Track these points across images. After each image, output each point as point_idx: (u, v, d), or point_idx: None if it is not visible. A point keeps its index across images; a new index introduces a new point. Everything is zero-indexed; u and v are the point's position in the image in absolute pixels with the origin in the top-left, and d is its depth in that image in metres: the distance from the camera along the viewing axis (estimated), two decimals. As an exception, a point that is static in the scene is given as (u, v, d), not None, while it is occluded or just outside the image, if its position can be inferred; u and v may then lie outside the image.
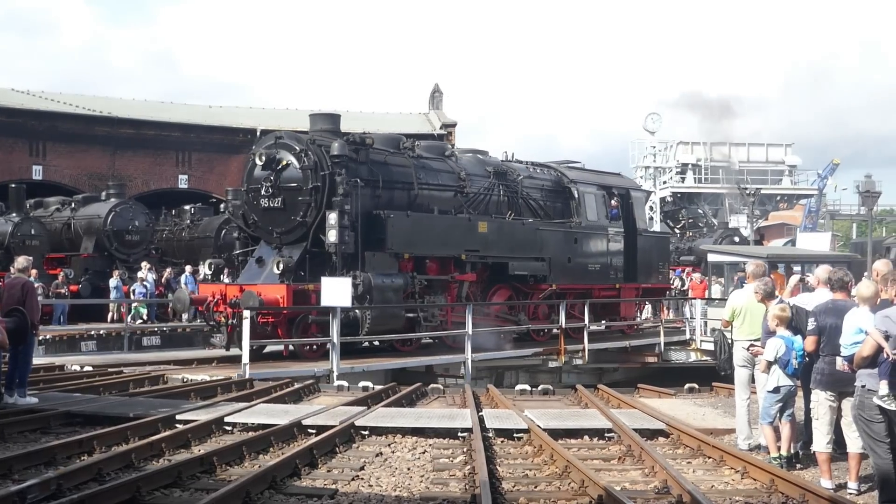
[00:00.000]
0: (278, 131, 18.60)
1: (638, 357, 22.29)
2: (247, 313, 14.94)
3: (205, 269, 19.59)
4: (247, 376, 14.47)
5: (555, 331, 20.97)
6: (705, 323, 23.30)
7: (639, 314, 27.79)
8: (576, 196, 23.03)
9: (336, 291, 15.93)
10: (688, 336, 23.69)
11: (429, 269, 19.05)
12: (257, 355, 17.80)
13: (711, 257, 28.36)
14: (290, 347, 18.12)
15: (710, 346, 21.83)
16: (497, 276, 20.81)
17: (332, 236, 17.10)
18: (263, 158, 17.61)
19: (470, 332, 17.90)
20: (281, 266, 16.81)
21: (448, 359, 18.68)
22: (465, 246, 19.51)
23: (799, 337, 8.80)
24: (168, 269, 28.39)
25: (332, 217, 17.08)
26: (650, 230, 26.35)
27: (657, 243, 26.67)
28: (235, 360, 16.44)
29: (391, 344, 18.51)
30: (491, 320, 20.31)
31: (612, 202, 24.01)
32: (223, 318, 16.99)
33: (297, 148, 17.65)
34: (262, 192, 17.69)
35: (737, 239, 39.73)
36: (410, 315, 18.15)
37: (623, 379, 20.17)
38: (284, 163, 17.62)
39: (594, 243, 23.41)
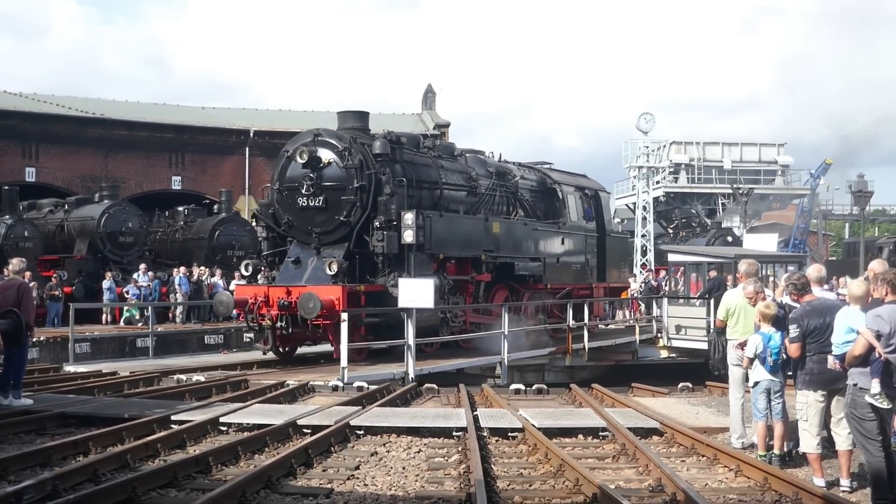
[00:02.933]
0: (317, 129, 18.02)
1: (613, 355, 22.48)
2: (345, 316, 14.75)
3: (241, 270, 18.83)
4: (345, 380, 14.45)
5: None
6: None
7: (621, 313, 28.34)
8: (560, 197, 23.50)
9: (417, 292, 15.64)
10: (654, 333, 24.09)
11: (448, 270, 18.93)
12: (289, 358, 17.92)
13: (672, 257, 28.62)
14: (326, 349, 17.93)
15: (680, 344, 22.34)
16: (501, 277, 20.88)
17: (408, 236, 16.98)
18: (305, 156, 17.09)
19: (506, 332, 17.95)
20: (335, 267, 16.52)
21: (486, 360, 18.47)
22: (483, 246, 19.56)
23: (777, 333, 8.88)
24: (202, 269, 28.35)
25: (409, 217, 16.92)
26: (615, 231, 26.87)
27: (621, 244, 28.01)
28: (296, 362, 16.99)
29: (420, 347, 18.43)
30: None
31: (586, 203, 24.70)
32: (268, 321, 16.68)
33: (340, 146, 17.25)
34: (303, 191, 17.24)
35: (730, 239, 39.84)
36: (440, 316, 18.06)
37: (590, 377, 20.14)
38: (326, 161, 17.20)
39: (576, 244, 24.01)
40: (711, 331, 18.92)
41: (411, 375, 15.38)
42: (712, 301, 21.20)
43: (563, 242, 23.05)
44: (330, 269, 16.58)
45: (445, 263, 18.73)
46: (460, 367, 17.84)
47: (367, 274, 17.24)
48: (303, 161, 17.14)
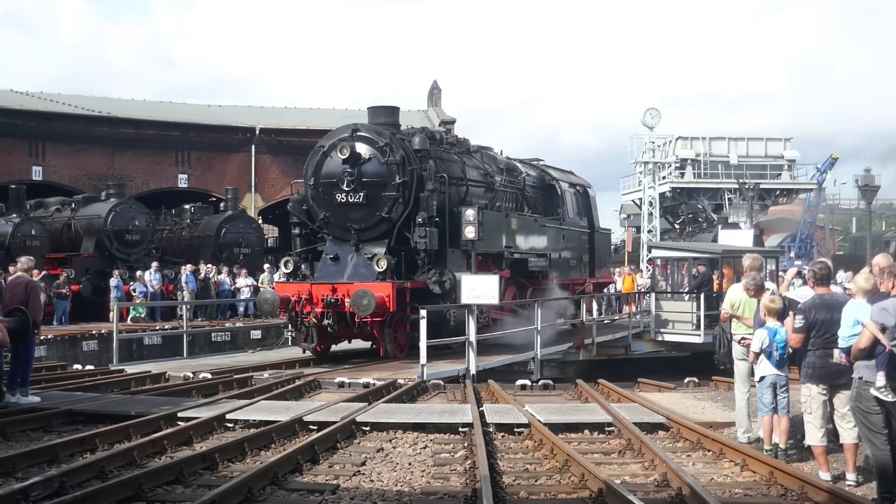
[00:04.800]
0: (354, 124, 17.63)
1: (606, 349, 22.58)
2: (423, 312, 14.70)
3: (282, 268, 18.38)
4: (425, 377, 14.47)
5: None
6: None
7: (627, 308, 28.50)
8: (559, 193, 23.69)
9: (482, 288, 15.59)
10: (641, 328, 24.28)
11: (476, 266, 18.76)
12: (325, 356, 17.69)
13: (656, 252, 28.79)
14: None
15: (666, 338, 22.55)
16: (514, 273, 20.87)
17: (469, 233, 16.92)
18: (347, 151, 16.77)
19: (539, 328, 17.98)
20: (383, 264, 16.37)
21: (523, 356, 18.28)
22: (505, 242, 19.55)
23: (783, 328, 8.87)
24: (209, 266, 28.42)
25: (471, 213, 16.84)
26: (601, 228, 27.10)
27: (606, 240, 28.59)
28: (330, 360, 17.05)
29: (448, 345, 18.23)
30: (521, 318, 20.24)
31: (579, 199, 24.99)
32: (314, 319, 16.41)
33: (380, 142, 16.95)
34: (344, 187, 16.93)
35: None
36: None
37: (577, 372, 20.24)
38: (367, 156, 16.93)
39: (574, 239, 24.22)
40: (716, 325, 18.95)
41: (472, 372, 15.33)
42: (702, 296, 21.48)
43: (563, 238, 23.23)
44: (378, 266, 16.41)
45: (475, 260, 18.71)
46: (507, 362, 17.85)
47: (406, 270, 17.07)
48: (343, 156, 16.82)
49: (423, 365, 14.57)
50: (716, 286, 21.83)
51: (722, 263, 22.44)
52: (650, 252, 31.99)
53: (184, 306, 23.23)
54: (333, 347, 18.33)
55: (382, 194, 16.93)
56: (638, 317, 25.37)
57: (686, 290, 24.15)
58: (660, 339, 22.93)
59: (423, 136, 17.52)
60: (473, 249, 17.37)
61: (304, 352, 18.09)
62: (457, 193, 18.53)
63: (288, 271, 17.97)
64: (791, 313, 8.54)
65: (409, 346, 16.71)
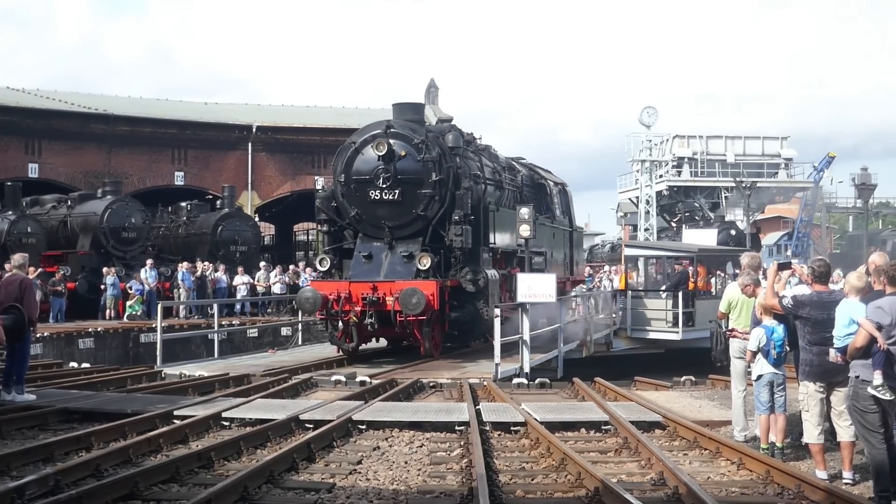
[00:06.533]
0: (387, 120, 17.35)
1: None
2: (497, 311, 14.68)
3: (318, 266, 17.87)
4: (499, 376, 14.56)
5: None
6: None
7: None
8: (549, 192, 23.84)
9: (538, 287, 15.63)
10: (618, 326, 24.49)
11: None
12: (354, 355, 17.40)
13: (627, 251, 29.00)
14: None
15: (641, 335, 22.78)
16: (521, 271, 20.89)
17: (524, 231, 16.88)
18: (384, 148, 16.52)
19: (562, 326, 18.07)
20: (427, 262, 16.24)
21: (550, 355, 18.22)
22: (517, 241, 19.50)
23: (780, 326, 8.86)
24: (205, 264, 28.35)
25: (526, 211, 16.78)
26: (578, 227, 27.36)
27: (581, 238, 28.94)
28: (363, 359, 17.06)
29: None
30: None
31: (562, 198, 25.24)
32: (354, 318, 16.15)
33: (416, 139, 16.77)
34: (380, 184, 16.71)
35: (733, 232, 39.79)
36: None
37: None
38: (402, 153, 16.72)
39: (561, 238, 24.43)
40: (713, 322, 19.07)
41: (526, 370, 15.32)
42: (680, 294, 21.67)
43: (554, 237, 23.39)
44: (421, 264, 16.28)
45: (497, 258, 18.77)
46: (546, 359, 17.88)
47: (441, 268, 16.95)
48: (381, 153, 16.58)
49: (496, 364, 14.74)
50: (690, 285, 22.05)
51: (696, 262, 22.67)
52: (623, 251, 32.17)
53: (214, 305, 22.62)
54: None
55: (418, 192, 16.75)
56: (620, 314, 25.48)
57: (663, 289, 24.31)
58: (636, 336, 23.13)
59: (457, 134, 17.44)
60: (527, 248, 17.33)
61: (337, 350, 17.77)
62: (476, 191, 18.48)
63: (324, 269, 17.51)
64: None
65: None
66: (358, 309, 16.09)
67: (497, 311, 14.79)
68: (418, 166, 16.73)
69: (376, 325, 16.20)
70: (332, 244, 17.93)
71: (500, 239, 18.48)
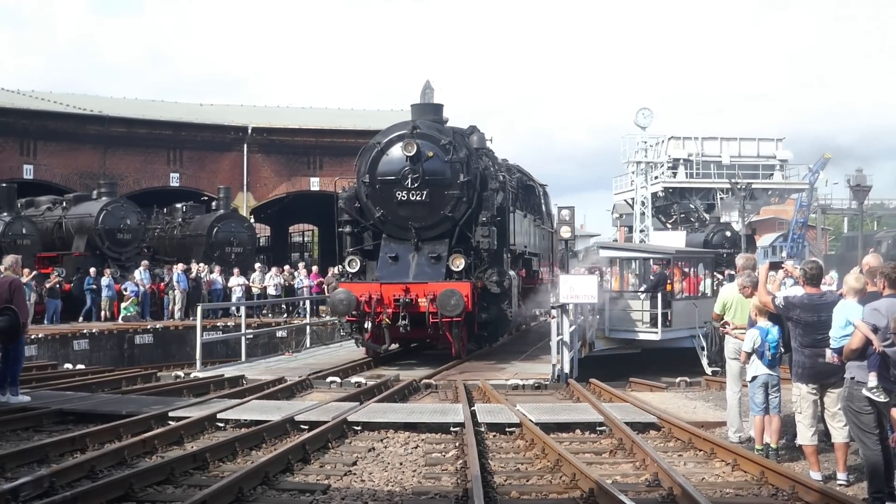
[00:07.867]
0: (413, 121, 17.16)
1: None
2: (554, 312, 14.69)
3: (346, 267, 17.28)
4: (556, 376, 14.73)
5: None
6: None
7: None
8: (538, 193, 23.95)
9: (580, 288, 15.68)
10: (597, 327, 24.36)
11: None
12: (378, 356, 17.28)
13: (604, 252, 29.07)
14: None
15: (618, 335, 22.86)
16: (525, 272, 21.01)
17: (565, 232, 16.78)
18: (413, 149, 16.31)
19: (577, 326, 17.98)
20: (460, 263, 16.16)
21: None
22: (525, 242, 19.54)
23: (774, 327, 8.88)
24: (200, 265, 28.28)
25: (566, 212, 16.66)
26: (553, 229, 27.44)
27: (557, 240, 28.99)
28: (386, 361, 17.05)
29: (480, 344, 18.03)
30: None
31: (544, 200, 25.35)
32: (387, 320, 15.94)
33: (443, 139, 16.64)
34: (407, 185, 16.51)
35: (728, 233, 39.83)
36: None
37: None
38: (430, 154, 16.52)
39: (546, 239, 24.54)
40: (707, 323, 19.21)
41: (566, 371, 15.32)
42: (660, 295, 21.73)
43: (542, 238, 23.54)
44: (455, 266, 16.19)
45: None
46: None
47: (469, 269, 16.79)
48: (409, 153, 16.40)
49: (554, 365, 14.90)
50: (668, 286, 22.16)
51: (673, 264, 22.77)
52: (598, 252, 32.25)
53: (242, 307, 22.19)
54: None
55: (445, 192, 16.62)
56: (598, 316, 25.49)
57: (642, 290, 24.38)
58: (614, 336, 23.23)
59: (481, 135, 17.41)
60: (567, 249, 17.28)
61: (366, 353, 17.58)
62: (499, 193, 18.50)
63: (353, 270, 17.12)
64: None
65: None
66: (389, 311, 15.95)
67: (553, 312, 14.86)
68: (446, 167, 16.60)
69: (409, 326, 16.03)
70: (355, 245, 17.67)
71: (520, 241, 18.52)
